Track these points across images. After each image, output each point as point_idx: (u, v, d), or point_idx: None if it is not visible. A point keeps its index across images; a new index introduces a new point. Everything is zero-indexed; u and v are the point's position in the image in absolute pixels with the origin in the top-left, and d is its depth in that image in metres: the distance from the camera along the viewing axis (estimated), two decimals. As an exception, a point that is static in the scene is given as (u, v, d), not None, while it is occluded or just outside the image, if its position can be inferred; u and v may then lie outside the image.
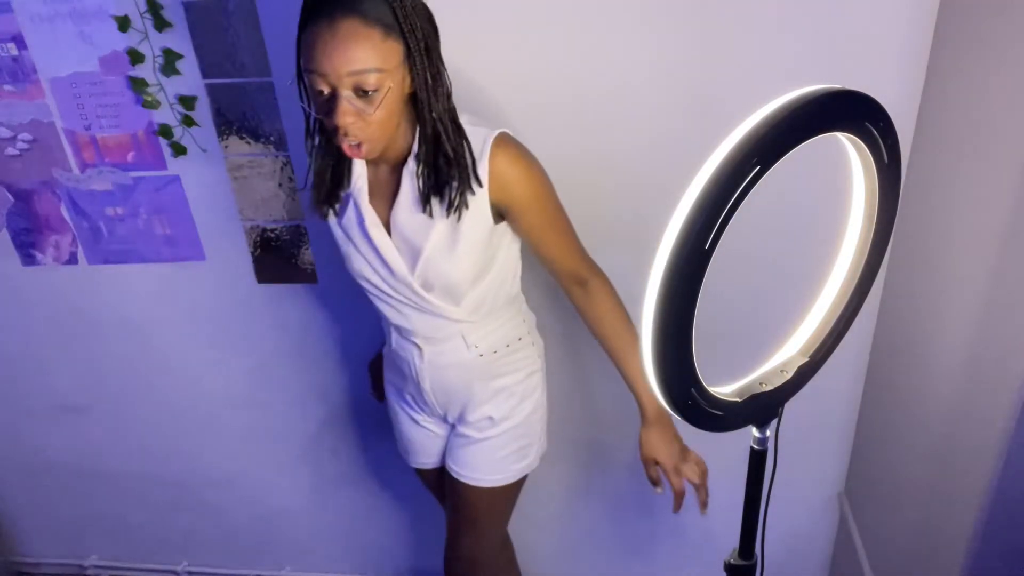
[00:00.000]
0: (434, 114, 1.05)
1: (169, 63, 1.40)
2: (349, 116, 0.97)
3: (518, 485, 1.40)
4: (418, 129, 1.08)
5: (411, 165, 1.11)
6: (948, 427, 1.17)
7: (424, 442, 1.43)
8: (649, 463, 1.25)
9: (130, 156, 1.53)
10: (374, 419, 1.78)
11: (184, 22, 1.37)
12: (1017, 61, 0.97)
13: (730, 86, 1.29)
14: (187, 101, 1.44)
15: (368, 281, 1.22)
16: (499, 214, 1.15)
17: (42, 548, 2.16)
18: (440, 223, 1.12)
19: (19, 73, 1.46)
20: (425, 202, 1.11)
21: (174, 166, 1.53)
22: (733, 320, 1.43)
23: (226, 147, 1.49)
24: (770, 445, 0.83)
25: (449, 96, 1.07)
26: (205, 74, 1.42)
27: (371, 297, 1.25)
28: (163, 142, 1.50)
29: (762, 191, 0.60)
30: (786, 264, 1.42)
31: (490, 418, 1.32)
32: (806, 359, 0.79)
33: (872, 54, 1.26)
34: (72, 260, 1.67)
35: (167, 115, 1.46)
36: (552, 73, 1.32)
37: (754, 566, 0.90)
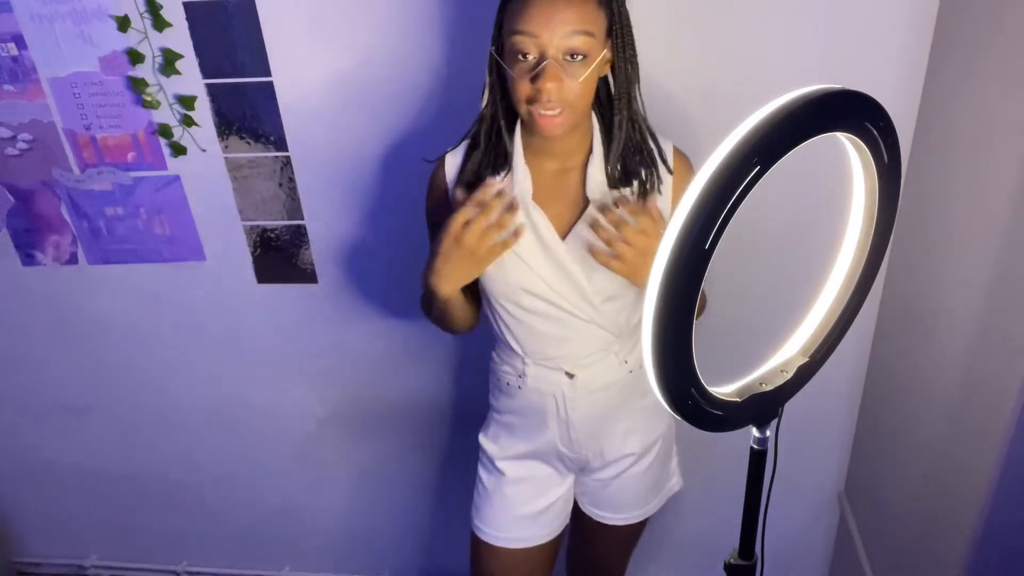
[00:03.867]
0: (630, 95, 1.03)
1: (169, 63, 1.40)
2: (555, 81, 0.94)
3: None
4: (601, 119, 1.06)
5: (597, 156, 1.06)
6: (948, 427, 1.17)
7: (555, 508, 1.30)
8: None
9: (130, 156, 1.52)
10: (374, 419, 1.78)
11: (184, 22, 1.37)
12: (1017, 61, 0.97)
13: (730, 86, 1.29)
14: (187, 101, 1.44)
15: (537, 297, 1.10)
16: None
17: (42, 548, 2.16)
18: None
19: (19, 73, 1.46)
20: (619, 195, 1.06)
21: (174, 166, 1.53)
22: (733, 320, 1.43)
23: (226, 147, 1.49)
24: (770, 445, 0.83)
25: (639, 82, 1.05)
26: (205, 74, 1.42)
27: (518, 320, 1.13)
28: (163, 142, 1.49)
29: (762, 191, 0.60)
30: (786, 264, 1.42)
31: (632, 454, 1.25)
32: (806, 359, 0.79)
33: (872, 54, 1.26)
34: (72, 260, 1.67)
35: (167, 115, 1.46)
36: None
37: (754, 566, 0.90)
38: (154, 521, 2.05)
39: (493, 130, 1.08)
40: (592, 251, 1.04)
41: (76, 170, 1.56)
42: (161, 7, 1.35)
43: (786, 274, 1.39)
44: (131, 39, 1.39)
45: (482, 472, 1.33)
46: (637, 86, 1.04)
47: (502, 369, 1.23)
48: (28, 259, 1.69)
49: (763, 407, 0.78)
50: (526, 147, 1.08)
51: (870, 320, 1.48)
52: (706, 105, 1.31)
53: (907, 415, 1.34)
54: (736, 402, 0.74)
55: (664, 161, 1.08)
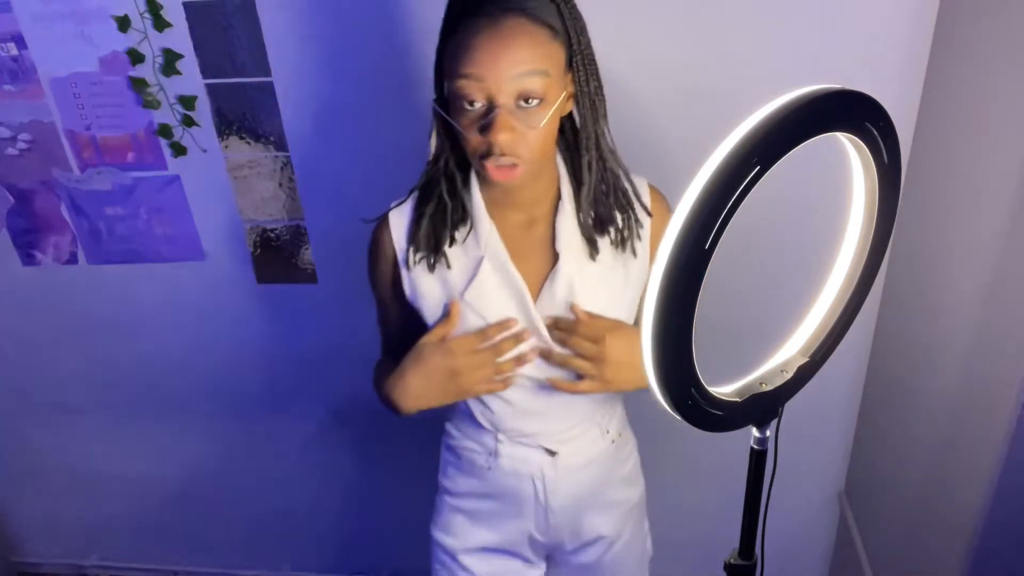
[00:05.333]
0: (597, 133, 0.91)
1: (169, 63, 1.40)
2: (507, 131, 0.81)
3: None
4: (568, 161, 0.95)
5: (567, 204, 0.94)
6: (948, 427, 1.17)
7: None
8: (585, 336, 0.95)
9: (130, 156, 1.52)
10: (374, 419, 1.78)
11: (184, 22, 1.37)
12: (1017, 61, 0.97)
13: (730, 86, 1.29)
14: (187, 101, 1.44)
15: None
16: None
17: (42, 548, 2.16)
18: (606, 273, 0.97)
19: (19, 73, 1.46)
20: (592, 245, 0.95)
21: (174, 166, 1.53)
22: (733, 320, 1.43)
23: (226, 147, 1.49)
24: (770, 445, 0.83)
25: (606, 116, 0.93)
26: (205, 74, 1.42)
27: (494, 395, 1.00)
28: (163, 142, 1.49)
29: (762, 191, 0.60)
30: (786, 264, 1.42)
31: (612, 533, 1.13)
32: (806, 359, 0.79)
33: (872, 54, 1.26)
34: (72, 260, 1.67)
35: (167, 115, 1.46)
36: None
37: (754, 566, 0.90)
38: (154, 521, 2.05)
39: (445, 182, 0.95)
40: (555, 384, 0.96)
41: (76, 170, 1.56)
42: (161, 7, 1.35)
43: (786, 274, 1.39)
44: (131, 39, 1.39)
45: (440, 572, 1.17)
46: (605, 122, 0.92)
47: (465, 446, 1.09)
48: (28, 259, 1.69)
49: (763, 407, 0.78)
50: (486, 199, 0.95)
51: (870, 320, 1.48)
52: (706, 105, 1.31)
53: (907, 415, 1.34)
54: (736, 402, 0.74)
55: (641, 203, 0.98)
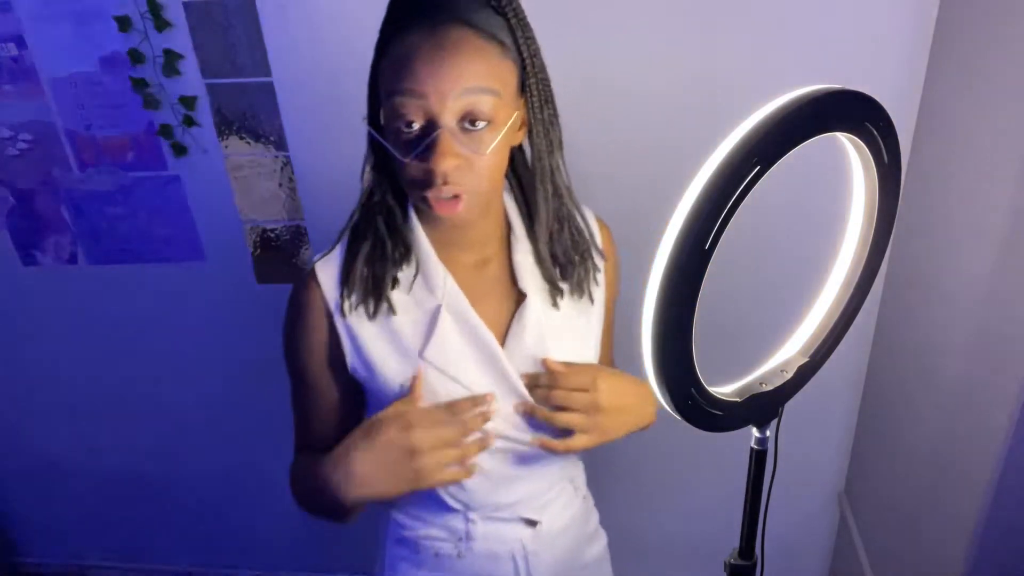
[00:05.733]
0: (552, 166, 0.81)
1: (169, 63, 1.40)
2: (451, 157, 0.70)
3: None
4: (519, 196, 0.86)
5: (521, 240, 0.86)
6: (948, 427, 1.17)
7: None
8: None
9: (130, 156, 1.52)
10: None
11: (184, 22, 1.37)
12: (1017, 61, 0.97)
13: (730, 86, 1.29)
14: (187, 101, 1.44)
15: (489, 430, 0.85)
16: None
17: (42, 548, 2.16)
18: (569, 319, 0.87)
19: (19, 73, 1.46)
20: (555, 288, 0.86)
21: (174, 166, 1.53)
22: (733, 320, 1.43)
23: (226, 147, 1.49)
24: (770, 445, 0.83)
25: (562, 148, 0.83)
26: (205, 74, 1.42)
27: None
28: (163, 142, 1.50)
29: (762, 191, 0.60)
30: (786, 264, 1.42)
31: None
32: (806, 359, 0.79)
33: (872, 54, 1.26)
34: (72, 260, 1.67)
35: (167, 115, 1.46)
36: (553, 72, 1.32)
37: (754, 566, 0.90)
38: (154, 521, 2.05)
39: (382, 216, 0.83)
40: (546, 445, 0.84)
41: (76, 170, 1.56)
42: (161, 7, 1.35)
43: (786, 274, 1.38)
44: (131, 39, 1.39)
45: None
46: (561, 154, 0.82)
47: (424, 535, 0.94)
48: (28, 259, 1.69)
49: (763, 407, 0.78)
50: (430, 239, 0.84)
51: (870, 320, 1.48)
52: (706, 105, 1.31)
53: (907, 415, 1.33)
54: (736, 402, 0.74)
55: (595, 244, 0.89)
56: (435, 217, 0.77)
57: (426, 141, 0.71)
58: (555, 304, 0.86)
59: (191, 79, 1.42)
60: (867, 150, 0.67)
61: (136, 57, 1.40)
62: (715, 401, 0.72)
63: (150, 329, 1.74)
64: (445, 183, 0.71)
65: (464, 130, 0.72)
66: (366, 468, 0.78)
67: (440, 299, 0.83)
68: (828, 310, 0.79)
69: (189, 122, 1.46)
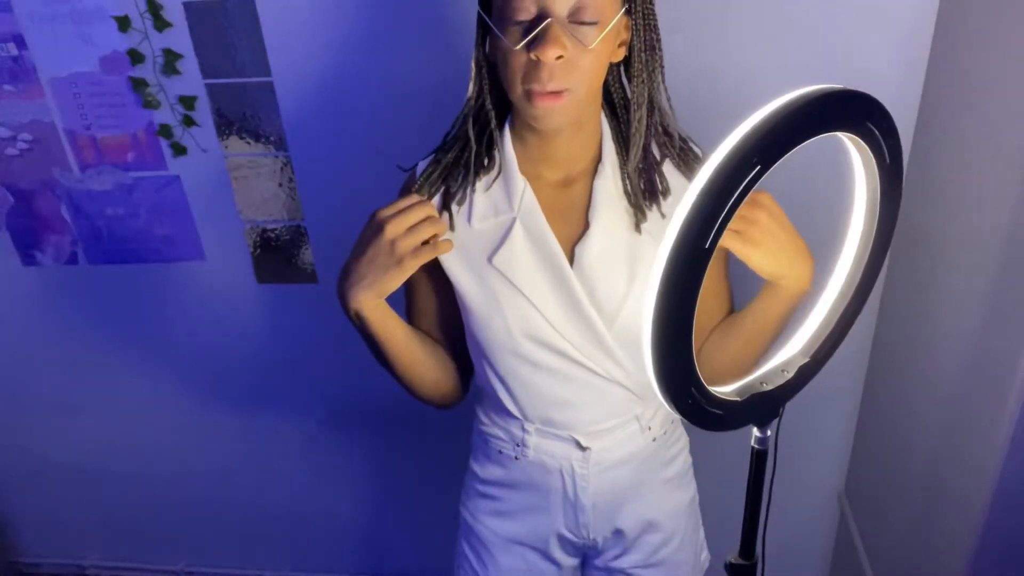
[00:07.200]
0: (651, 87, 0.83)
1: (169, 63, 1.40)
2: (559, 47, 0.74)
3: None
4: (614, 119, 0.88)
5: (608, 165, 0.86)
6: (948, 427, 1.17)
7: None
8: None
9: (130, 156, 1.52)
10: (374, 418, 1.78)
11: (184, 22, 1.37)
12: (1017, 61, 0.97)
13: (730, 86, 1.29)
14: (187, 101, 1.44)
15: (542, 346, 0.89)
16: None
17: (42, 548, 2.16)
18: (649, 247, 0.87)
19: (19, 73, 1.46)
20: (640, 212, 0.86)
21: (174, 166, 1.53)
22: (733, 320, 1.43)
23: (226, 147, 1.49)
24: (771, 445, 0.83)
25: (663, 70, 0.85)
26: (205, 74, 1.42)
27: (518, 377, 0.92)
28: (163, 142, 1.49)
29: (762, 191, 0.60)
30: (786, 264, 1.41)
31: (659, 534, 1.04)
32: (807, 359, 0.79)
33: (872, 54, 1.26)
34: (72, 260, 1.67)
35: (167, 115, 1.46)
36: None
37: (755, 566, 0.90)
38: (154, 521, 2.05)
39: (479, 122, 0.88)
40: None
41: (76, 170, 1.56)
42: (161, 7, 1.35)
43: (786, 274, 1.38)
44: (131, 39, 1.39)
45: (465, 552, 1.11)
46: (662, 74, 0.85)
47: (492, 433, 1.02)
48: (28, 259, 1.69)
49: (764, 407, 0.78)
50: (518, 154, 0.88)
51: (871, 320, 1.48)
52: (706, 105, 1.31)
53: (907, 415, 1.33)
54: (736, 402, 0.74)
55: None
56: (528, 130, 0.83)
57: (536, 30, 0.74)
58: (637, 228, 0.86)
59: (191, 79, 1.42)
60: (869, 150, 0.67)
61: (136, 57, 1.40)
62: (716, 400, 0.72)
63: (150, 329, 1.74)
64: (551, 77, 0.75)
65: (572, 25, 0.75)
66: (359, 267, 0.86)
67: (515, 211, 0.86)
68: (829, 310, 0.79)
69: (189, 122, 1.46)
